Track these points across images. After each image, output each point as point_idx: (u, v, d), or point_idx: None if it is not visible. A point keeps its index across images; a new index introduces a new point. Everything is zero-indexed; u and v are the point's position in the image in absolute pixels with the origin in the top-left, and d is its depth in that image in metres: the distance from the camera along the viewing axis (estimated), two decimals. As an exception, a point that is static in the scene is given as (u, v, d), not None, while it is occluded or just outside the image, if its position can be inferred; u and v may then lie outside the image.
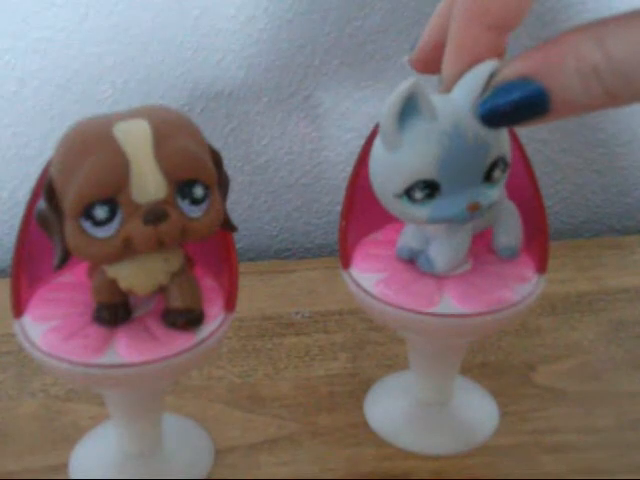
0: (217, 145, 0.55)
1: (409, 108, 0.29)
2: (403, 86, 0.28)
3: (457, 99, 0.29)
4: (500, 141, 0.30)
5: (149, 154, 0.29)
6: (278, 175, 0.58)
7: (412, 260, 0.36)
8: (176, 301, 0.32)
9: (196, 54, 0.53)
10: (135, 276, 0.32)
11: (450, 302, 0.35)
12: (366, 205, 0.38)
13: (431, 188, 0.30)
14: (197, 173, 0.30)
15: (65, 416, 0.42)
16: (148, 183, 0.29)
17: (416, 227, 0.35)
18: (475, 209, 0.30)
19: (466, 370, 0.44)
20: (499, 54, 0.28)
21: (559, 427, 0.41)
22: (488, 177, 0.30)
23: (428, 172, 0.29)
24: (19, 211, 0.33)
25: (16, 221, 0.33)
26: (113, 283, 0.32)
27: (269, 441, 0.41)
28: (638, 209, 0.63)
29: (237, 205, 0.58)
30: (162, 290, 0.33)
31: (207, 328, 0.33)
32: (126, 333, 0.33)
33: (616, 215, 0.63)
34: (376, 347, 0.47)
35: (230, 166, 0.56)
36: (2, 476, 0.38)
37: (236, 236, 0.35)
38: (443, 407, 0.41)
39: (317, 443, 0.40)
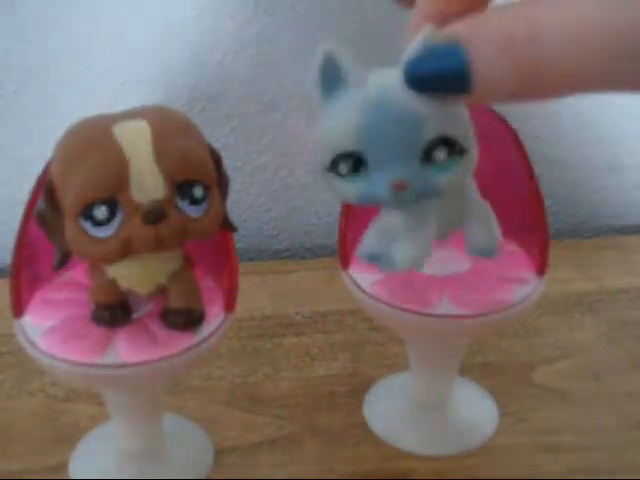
0: (217, 145, 0.55)
1: (334, 76, 0.27)
2: (318, 52, 0.27)
3: (392, 71, 0.26)
4: (445, 118, 0.27)
5: (149, 154, 0.29)
6: (278, 175, 0.58)
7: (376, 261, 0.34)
8: (176, 301, 0.32)
9: (196, 54, 0.53)
10: (134, 276, 0.32)
11: (448, 303, 0.35)
12: (366, 207, 0.38)
13: (355, 162, 0.27)
14: (197, 173, 0.30)
15: (65, 416, 0.42)
16: (148, 183, 0.29)
17: (377, 230, 0.33)
18: (401, 188, 0.27)
19: (466, 370, 0.44)
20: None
21: (559, 427, 0.41)
22: (427, 157, 0.27)
23: (348, 143, 0.27)
24: (19, 211, 0.33)
25: (16, 221, 0.33)
26: (113, 283, 0.32)
27: (269, 441, 0.40)
28: (638, 209, 0.63)
29: (237, 205, 0.58)
30: (162, 290, 0.33)
31: (207, 328, 0.33)
32: (126, 333, 0.33)
33: (616, 215, 0.63)
34: (376, 347, 0.47)
35: (230, 166, 0.56)
36: (2, 476, 0.38)
37: (236, 236, 0.35)
38: (442, 408, 0.41)
39: (317, 443, 0.40)
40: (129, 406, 0.36)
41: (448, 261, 0.38)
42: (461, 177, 0.28)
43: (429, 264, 0.38)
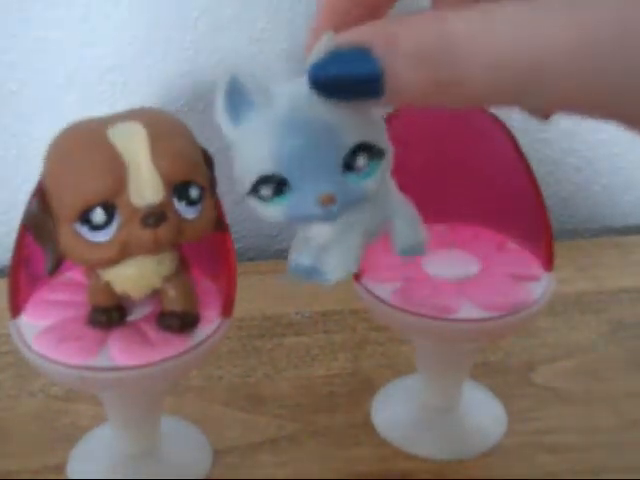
0: (217, 145, 0.55)
1: (240, 100, 0.26)
2: (221, 80, 0.26)
3: (299, 81, 0.25)
4: (360, 125, 0.26)
5: (146, 156, 0.29)
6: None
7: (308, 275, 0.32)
8: (171, 304, 0.32)
9: (196, 54, 0.53)
10: (130, 279, 0.31)
11: (470, 307, 0.35)
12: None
13: (276, 183, 0.26)
14: (193, 174, 0.30)
15: (65, 416, 0.42)
16: (146, 186, 0.29)
17: (302, 243, 0.31)
18: (329, 202, 0.26)
19: (466, 370, 0.44)
20: None
21: (559, 427, 0.41)
22: (349, 166, 0.26)
23: (266, 166, 0.26)
24: (20, 211, 0.33)
25: (16, 221, 0.33)
26: (108, 286, 0.32)
27: (269, 441, 0.40)
28: (638, 209, 0.63)
29: (237, 205, 0.57)
30: (157, 293, 0.33)
31: (203, 332, 0.33)
32: (120, 336, 0.32)
33: (616, 215, 0.63)
34: (376, 347, 0.47)
35: (230, 166, 0.56)
36: (2, 476, 0.38)
37: (236, 236, 0.35)
38: (452, 412, 0.41)
39: (317, 443, 0.40)
40: (126, 408, 0.36)
41: (457, 263, 0.38)
42: (382, 180, 0.28)
43: (440, 268, 0.38)
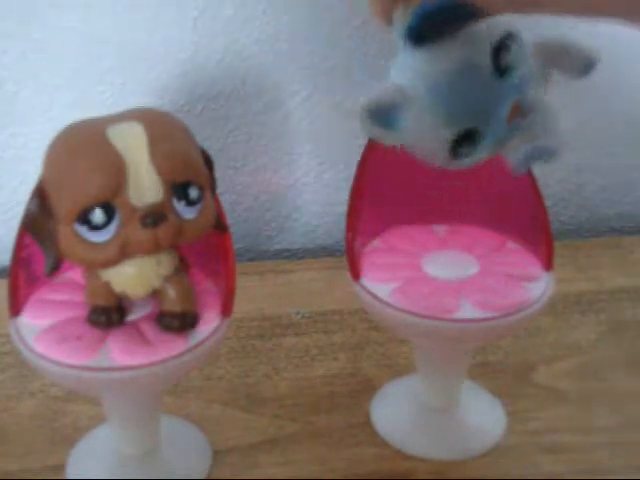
0: (217, 145, 0.56)
1: (386, 115, 0.29)
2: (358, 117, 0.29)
3: (399, 62, 0.29)
4: (485, 34, 0.29)
5: (145, 156, 0.29)
6: (278, 175, 0.58)
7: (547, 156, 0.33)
8: (170, 304, 0.32)
9: (196, 54, 0.53)
10: (129, 279, 0.31)
11: (470, 307, 0.35)
12: (366, 213, 0.38)
13: (467, 136, 0.29)
14: (192, 174, 0.30)
15: (65, 416, 0.42)
16: (146, 186, 0.29)
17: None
18: (515, 114, 0.29)
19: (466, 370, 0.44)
20: None
21: (559, 427, 0.41)
22: (500, 68, 0.29)
23: (453, 129, 0.29)
24: (19, 211, 0.33)
25: (16, 221, 0.33)
26: (107, 286, 0.32)
27: (269, 441, 0.40)
28: (638, 209, 0.63)
29: (237, 205, 0.58)
30: (156, 293, 0.32)
31: (202, 332, 0.33)
32: (120, 336, 0.32)
33: (616, 215, 0.63)
34: (376, 347, 0.47)
35: (230, 166, 0.56)
36: (2, 476, 0.38)
37: (236, 236, 0.35)
38: (452, 412, 0.41)
39: (317, 443, 0.40)
40: (126, 408, 0.36)
41: (457, 264, 0.38)
42: (528, 54, 0.30)
43: (439, 268, 0.38)
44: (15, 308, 0.34)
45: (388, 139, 0.29)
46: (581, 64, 0.33)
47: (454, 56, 0.28)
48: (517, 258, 0.39)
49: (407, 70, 0.29)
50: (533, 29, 0.30)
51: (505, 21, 0.29)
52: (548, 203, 0.38)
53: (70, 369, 0.31)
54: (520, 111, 0.29)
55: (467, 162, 0.30)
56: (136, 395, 0.35)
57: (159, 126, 0.30)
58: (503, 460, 0.39)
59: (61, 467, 0.39)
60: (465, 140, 0.29)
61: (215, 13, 0.52)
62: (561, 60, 0.33)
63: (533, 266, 0.38)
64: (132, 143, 0.29)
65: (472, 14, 0.25)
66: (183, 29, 0.52)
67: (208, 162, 0.32)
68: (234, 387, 0.44)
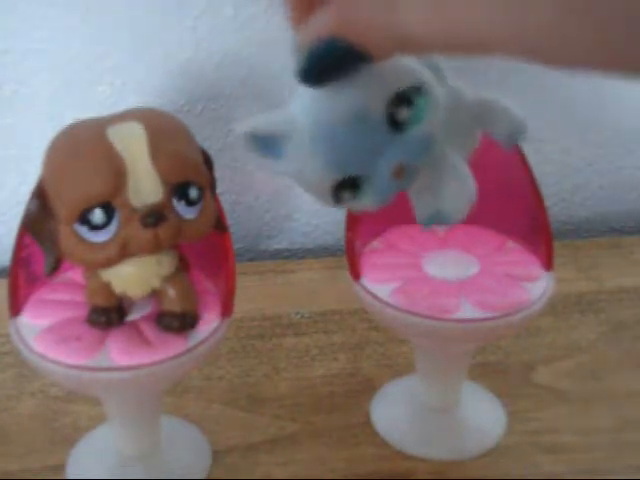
0: (217, 145, 0.56)
1: (267, 142, 0.27)
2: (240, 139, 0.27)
3: (299, 93, 0.27)
4: (382, 83, 0.26)
5: (145, 157, 0.29)
6: (278, 175, 0.57)
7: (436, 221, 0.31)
8: (170, 304, 0.32)
9: (196, 54, 0.53)
10: (129, 279, 0.31)
11: (471, 307, 0.35)
12: (366, 213, 0.38)
13: (350, 183, 0.27)
14: (192, 174, 0.30)
15: (64, 416, 0.42)
16: (146, 186, 0.29)
17: (418, 195, 0.30)
18: (402, 172, 0.27)
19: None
20: None
21: (559, 427, 0.41)
22: (396, 123, 0.26)
23: (331, 176, 0.27)
24: (19, 211, 0.33)
25: (16, 221, 0.33)
26: (107, 286, 0.32)
27: (269, 441, 0.40)
28: (638, 209, 0.63)
29: (237, 205, 0.58)
30: (156, 293, 0.32)
31: (202, 332, 0.33)
32: (119, 336, 0.32)
33: (616, 215, 0.63)
34: (376, 347, 0.47)
35: (230, 166, 0.56)
36: (2, 476, 0.38)
37: (236, 236, 0.35)
38: (452, 412, 0.41)
39: (317, 443, 0.40)
40: (126, 408, 0.36)
41: (457, 264, 0.38)
42: (436, 115, 0.27)
43: (439, 268, 0.38)
44: (15, 308, 0.34)
45: (272, 166, 0.28)
46: (508, 133, 0.31)
47: (344, 99, 0.25)
48: (517, 258, 0.39)
49: (299, 100, 0.27)
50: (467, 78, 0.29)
51: (419, 70, 0.26)
52: (548, 203, 0.38)
53: (70, 369, 0.31)
54: (403, 174, 0.27)
55: (355, 206, 0.28)
56: (136, 395, 0.35)
57: (159, 126, 0.30)
58: (503, 460, 0.39)
59: (61, 467, 0.39)
60: (348, 186, 0.27)
61: (215, 13, 0.52)
62: (490, 123, 0.31)
63: (533, 266, 0.38)
64: (132, 143, 0.29)
65: (362, 58, 0.23)
66: (183, 29, 0.52)
67: (208, 162, 0.32)
68: (234, 387, 0.44)
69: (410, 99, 0.26)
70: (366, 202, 0.28)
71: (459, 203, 0.30)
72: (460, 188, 0.30)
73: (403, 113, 0.26)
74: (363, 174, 0.27)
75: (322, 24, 0.24)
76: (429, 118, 0.27)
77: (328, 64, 0.24)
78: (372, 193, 0.27)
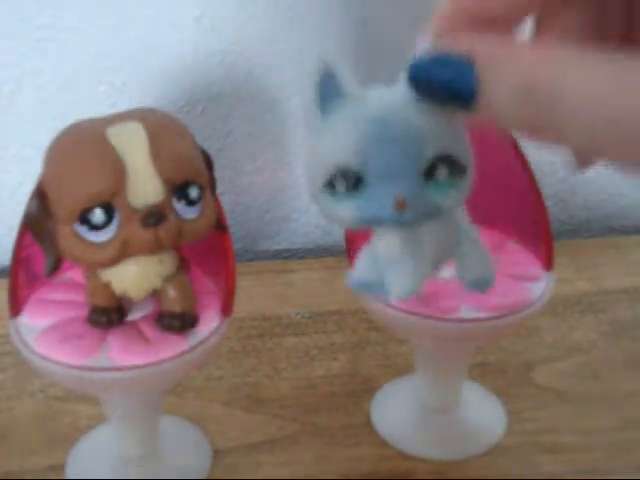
0: (217, 145, 0.56)
1: (333, 92, 0.26)
2: (315, 65, 0.26)
3: (399, 87, 0.25)
4: (447, 136, 0.26)
5: (145, 157, 0.29)
6: (278, 175, 0.58)
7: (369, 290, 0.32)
8: (170, 304, 0.32)
9: (196, 54, 0.53)
10: (130, 279, 0.31)
11: (470, 307, 0.35)
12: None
13: (353, 179, 0.26)
14: (192, 174, 0.30)
15: (64, 416, 0.42)
16: (145, 186, 0.29)
17: (369, 257, 0.30)
18: (403, 205, 0.26)
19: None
20: None
21: (559, 427, 0.41)
22: (429, 175, 0.26)
23: (345, 158, 0.26)
24: (19, 211, 0.33)
25: (16, 221, 0.33)
26: (107, 286, 0.32)
27: (269, 441, 0.40)
28: (637, 209, 0.63)
29: (237, 205, 0.58)
30: (156, 293, 0.32)
31: (202, 332, 0.33)
32: (120, 336, 0.32)
33: (616, 215, 0.63)
34: (376, 347, 0.47)
35: (230, 166, 0.56)
36: (2, 476, 0.38)
37: (236, 236, 0.35)
38: (452, 412, 0.41)
39: (317, 443, 0.40)
40: (126, 408, 0.36)
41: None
42: (460, 198, 0.28)
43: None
44: (15, 308, 0.34)
45: (310, 120, 0.27)
46: (472, 278, 0.32)
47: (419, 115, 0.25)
48: (517, 258, 0.39)
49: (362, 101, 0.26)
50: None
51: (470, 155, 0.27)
52: (548, 203, 0.38)
53: (70, 369, 0.31)
54: (402, 209, 0.26)
55: (341, 209, 0.27)
56: (136, 395, 0.35)
57: (159, 126, 0.30)
58: (503, 460, 0.39)
59: (61, 467, 0.39)
60: (348, 179, 0.26)
61: (215, 13, 0.52)
62: (456, 258, 0.31)
63: (533, 266, 0.38)
64: (132, 143, 0.29)
65: (471, 108, 0.21)
66: (183, 29, 0.52)
67: (208, 162, 0.32)
68: (234, 387, 0.44)
69: (455, 168, 0.26)
70: (348, 207, 0.27)
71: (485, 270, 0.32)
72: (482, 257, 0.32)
73: (442, 173, 0.26)
74: (372, 181, 0.26)
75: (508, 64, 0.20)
76: (453, 197, 0.27)
77: (433, 86, 0.22)
78: (361, 203, 0.26)
